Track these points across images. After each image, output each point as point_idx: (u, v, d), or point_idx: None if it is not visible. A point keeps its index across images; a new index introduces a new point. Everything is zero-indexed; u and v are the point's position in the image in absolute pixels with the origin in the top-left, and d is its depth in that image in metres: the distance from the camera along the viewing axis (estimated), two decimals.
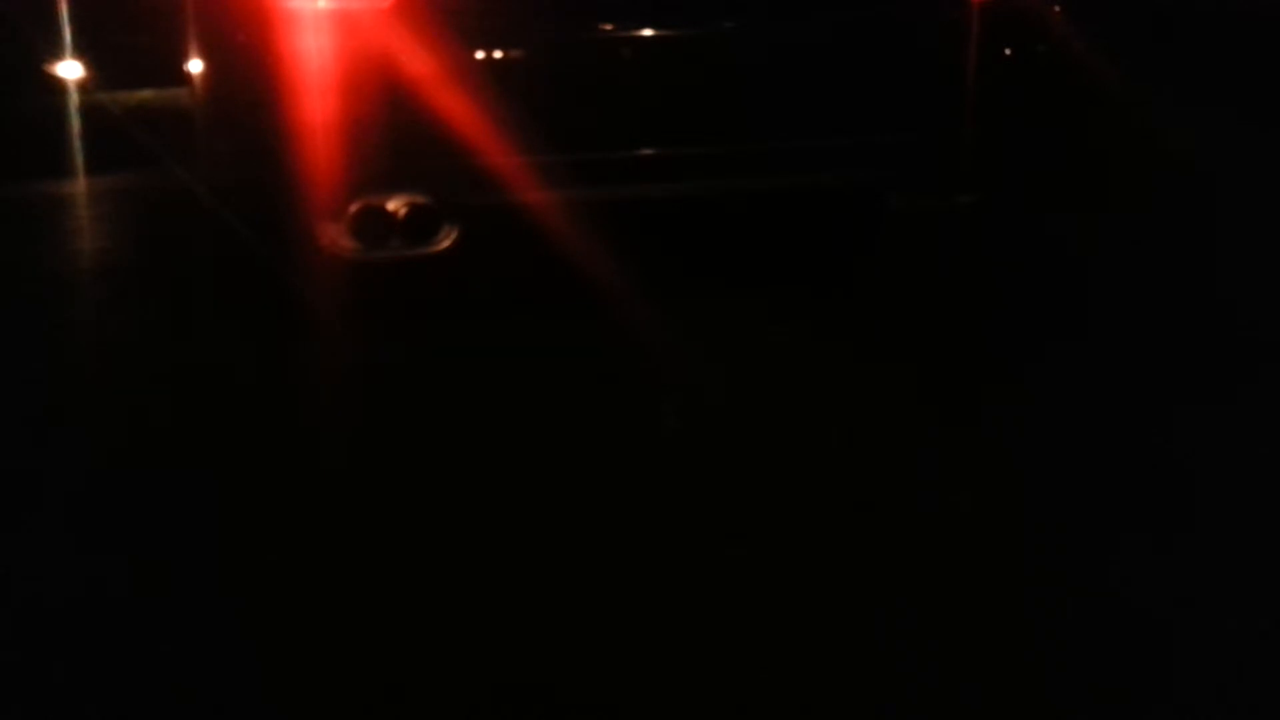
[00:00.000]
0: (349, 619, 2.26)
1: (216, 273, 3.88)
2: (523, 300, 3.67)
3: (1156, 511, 2.59)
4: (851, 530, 2.54)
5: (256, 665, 2.15)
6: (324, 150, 3.11)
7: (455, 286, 3.60)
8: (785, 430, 2.97)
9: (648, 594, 2.33)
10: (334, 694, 2.07)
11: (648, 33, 3.26)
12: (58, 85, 5.64)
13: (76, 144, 5.36)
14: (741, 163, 3.38)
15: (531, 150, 3.16)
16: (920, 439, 2.91)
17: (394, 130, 3.14)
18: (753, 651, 2.16)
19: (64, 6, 5.50)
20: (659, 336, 3.35)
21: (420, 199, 3.21)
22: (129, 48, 5.58)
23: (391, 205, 3.21)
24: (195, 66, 3.64)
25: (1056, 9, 3.66)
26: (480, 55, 3.19)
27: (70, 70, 5.64)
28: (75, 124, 5.48)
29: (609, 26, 3.27)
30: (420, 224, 3.23)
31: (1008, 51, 3.51)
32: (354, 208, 3.19)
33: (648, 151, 3.32)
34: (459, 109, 3.10)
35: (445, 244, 3.26)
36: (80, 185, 5.08)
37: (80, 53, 5.63)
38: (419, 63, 3.09)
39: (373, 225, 3.21)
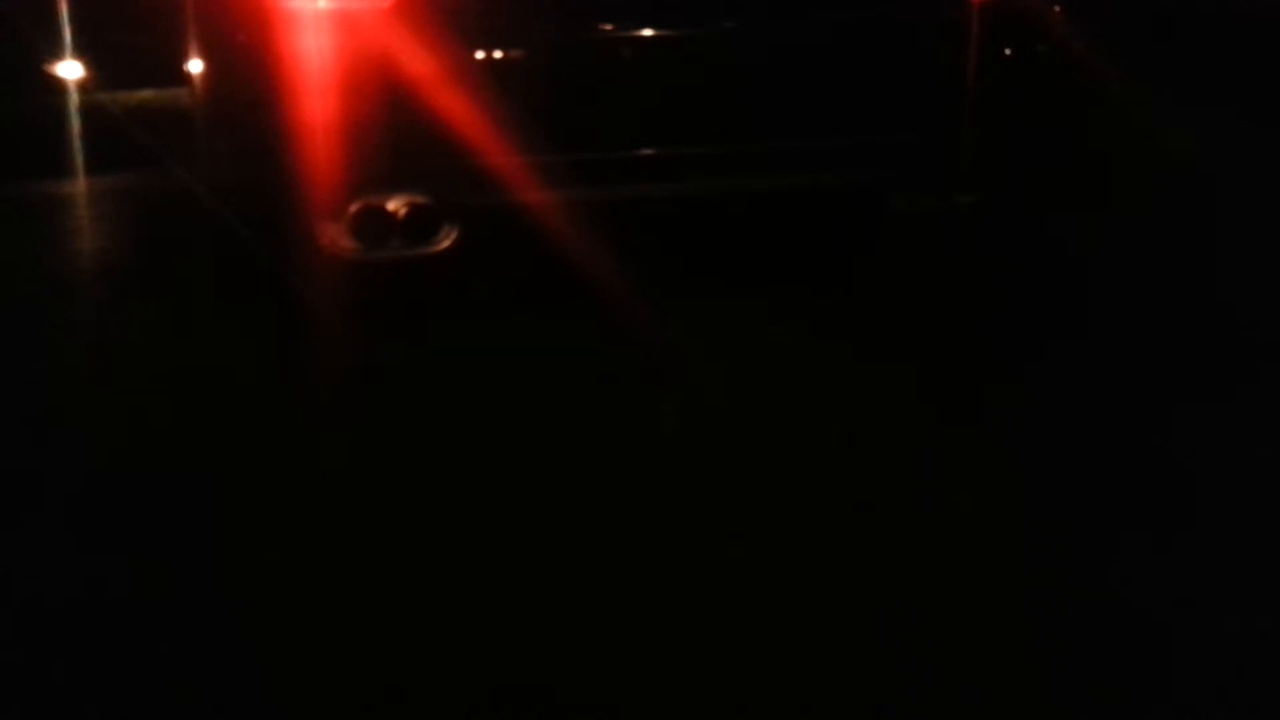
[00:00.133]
0: (349, 619, 2.26)
1: (216, 273, 3.88)
2: (523, 300, 3.67)
3: (1156, 511, 2.59)
4: (851, 530, 2.54)
5: (256, 665, 2.15)
6: (324, 150, 3.11)
7: (455, 286, 3.60)
8: (785, 430, 2.97)
9: (648, 593, 2.33)
10: (334, 694, 2.07)
11: (648, 33, 3.26)
12: (58, 85, 5.64)
13: (76, 144, 5.36)
14: (741, 163, 3.38)
15: (531, 150, 3.16)
16: (920, 439, 2.91)
17: (394, 130, 3.14)
18: (753, 651, 2.16)
19: (64, 6, 5.50)
20: (659, 336, 3.35)
21: (420, 199, 3.21)
22: (129, 48, 5.58)
23: (391, 205, 3.21)
24: (195, 66, 3.64)
25: (1056, 9, 3.66)
26: (480, 55, 3.19)
27: (70, 70, 5.64)
28: (75, 124, 5.48)
29: (609, 26, 3.27)
30: (420, 224, 3.23)
31: (1008, 51, 3.51)
32: (354, 208, 3.19)
33: (648, 151, 3.32)
34: (459, 109, 3.10)
35: (445, 244, 3.26)
36: (80, 185, 5.08)
37: (80, 53, 5.63)
38: (419, 63, 3.09)
39: (373, 225, 3.21)
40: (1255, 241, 4.13)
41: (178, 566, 2.45)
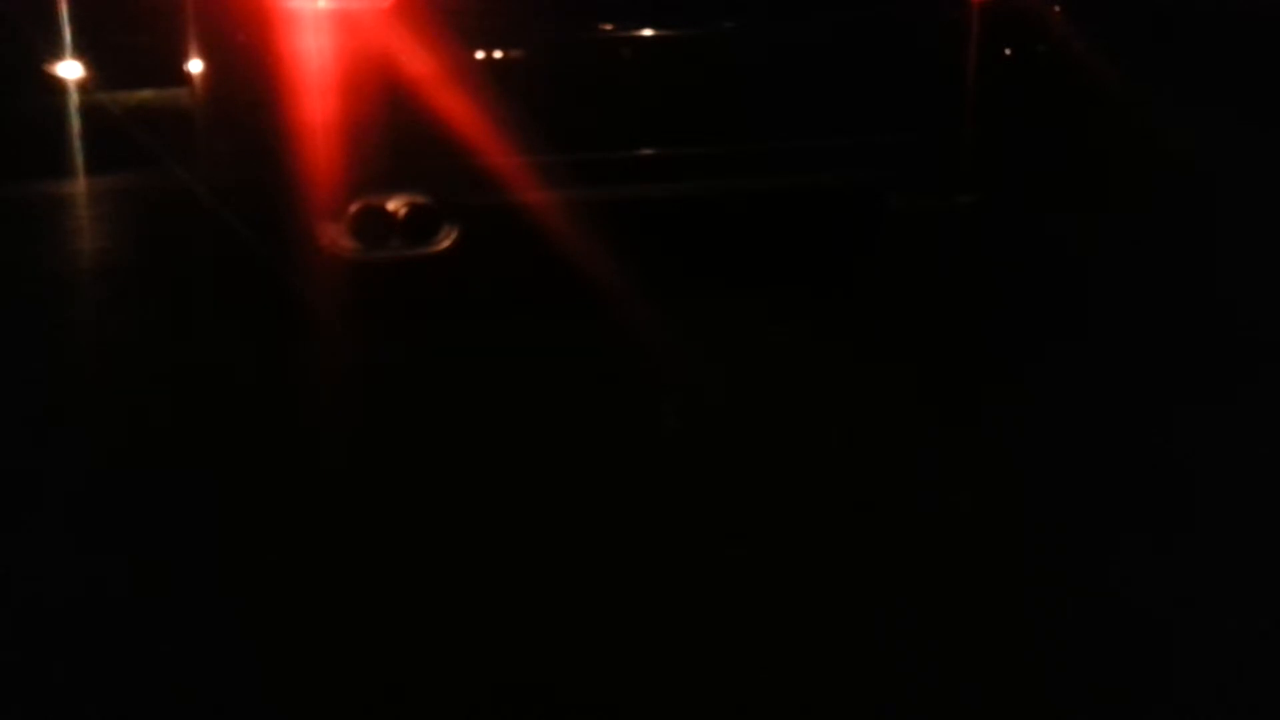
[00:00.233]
0: (349, 619, 2.26)
1: (216, 273, 3.88)
2: (523, 300, 3.67)
3: (1156, 511, 2.59)
4: (851, 530, 2.54)
5: (256, 665, 2.15)
6: (324, 150, 3.11)
7: (455, 286, 3.60)
8: (785, 430, 2.97)
9: (648, 594, 2.33)
10: (334, 694, 2.07)
11: (648, 33, 3.26)
12: (58, 85, 5.64)
13: (76, 144, 5.36)
14: (741, 163, 3.38)
15: (531, 150, 3.16)
16: (920, 439, 2.91)
17: (394, 130, 3.14)
18: (753, 651, 2.16)
19: (64, 6, 5.50)
20: (659, 336, 3.35)
21: (420, 199, 3.21)
22: (129, 48, 5.58)
23: (391, 205, 3.21)
24: (195, 66, 3.64)
25: (1056, 9, 3.66)
26: (480, 55, 3.19)
27: (70, 70, 5.64)
28: (75, 124, 5.48)
29: (609, 26, 3.27)
30: (420, 224, 3.23)
31: (1008, 51, 3.51)
32: (354, 208, 3.19)
33: (648, 151, 3.32)
34: (459, 109, 3.10)
35: (445, 244, 3.26)
36: (80, 185, 5.08)
37: (80, 53, 5.63)
38: (419, 63, 3.09)
39: (373, 225, 3.21)
40: (1256, 241, 4.13)
41: (177, 566, 2.45)
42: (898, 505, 2.62)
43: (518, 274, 3.70)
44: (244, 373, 3.29)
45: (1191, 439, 2.86)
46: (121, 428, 3.02)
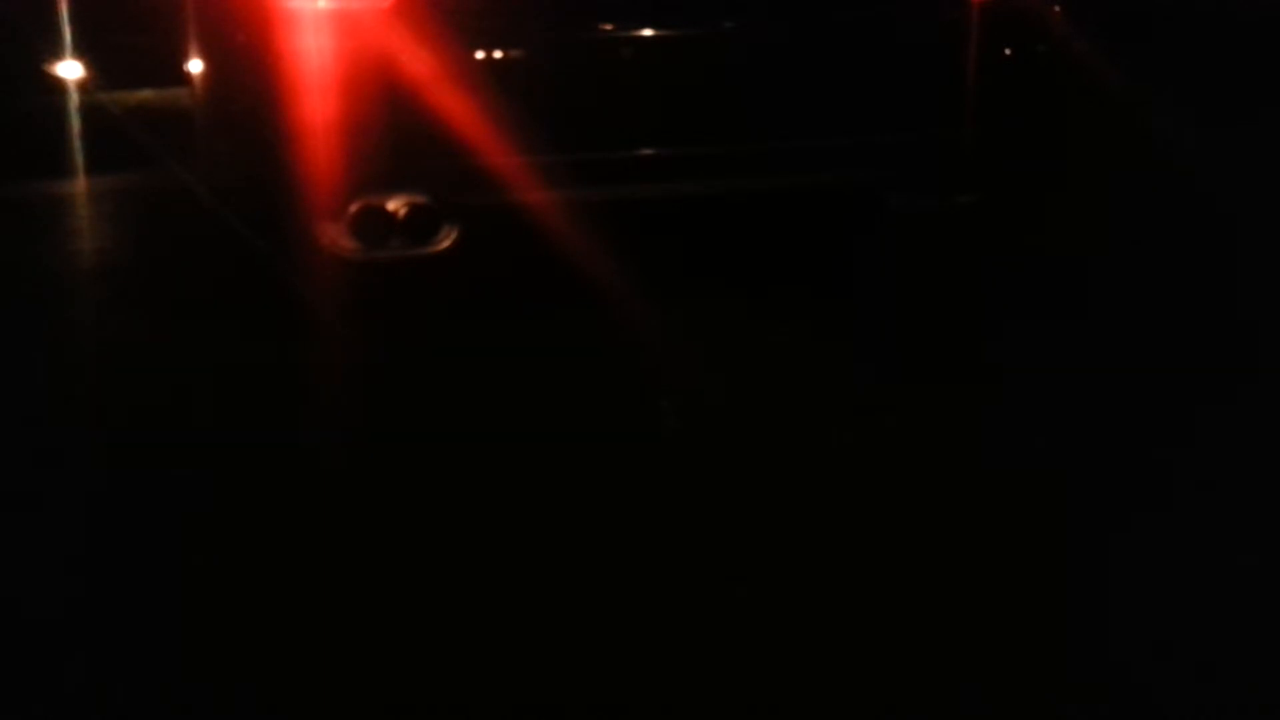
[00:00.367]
0: (348, 625, 2.26)
1: (216, 273, 3.88)
2: (523, 300, 3.67)
3: (1156, 511, 2.59)
4: (851, 530, 2.54)
5: (255, 676, 2.14)
6: (324, 150, 3.11)
7: (455, 286, 3.59)
8: (785, 430, 2.97)
9: (648, 595, 2.33)
10: (335, 710, 2.06)
11: (648, 33, 3.26)
12: (58, 85, 5.64)
13: (76, 144, 5.36)
14: (741, 163, 3.38)
15: (531, 150, 3.16)
16: (920, 439, 2.90)
17: (394, 130, 3.14)
18: (753, 652, 2.16)
19: (64, 6, 5.50)
20: (659, 336, 3.35)
21: (420, 199, 3.21)
22: (129, 48, 5.57)
23: (391, 205, 3.21)
24: (195, 66, 3.64)
25: (1056, 9, 3.66)
26: (480, 55, 3.19)
27: (70, 70, 5.64)
28: (75, 124, 5.48)
29: (609, 26, 3.27)
30: (420, 224, 3.23)
31: (1008, 51, 3.51)
32: (354, 208, 3.19)
33: (648, 151, 3.32)
34: (459, 109, 3.10)
35: (445, 244, 3.26)
36: (80, 185, 5.08)
37: (80, 53, 5.63)
38: (419, 63, 3.09)
39: (373, 225, 3.21)
40: (1256, 242, 4.13)
41: (177, 569, 2.44)
42: (897, 505, 2.62)
43: (518, 274, 3.70)
44: (243, 373, 3.29)
45: (1193, 439, 2.86)
46: (121, 428, 3.01)
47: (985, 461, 2.81)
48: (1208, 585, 2.33)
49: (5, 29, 5.49)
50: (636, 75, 3.29)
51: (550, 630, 2.22)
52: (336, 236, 3.21)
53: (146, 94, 5.90)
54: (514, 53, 3.23)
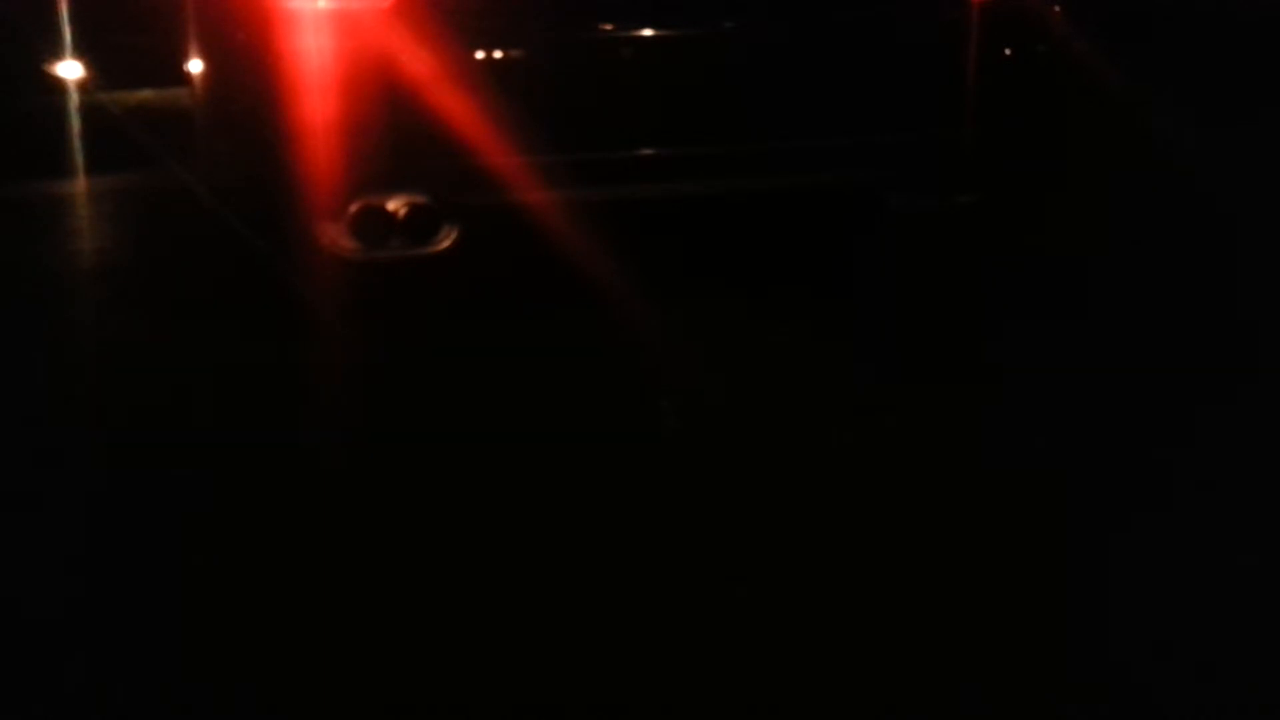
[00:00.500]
0: (348, 626, 2.26)
1: (216, 273, 3.88)
2: (523, 300, 3.67)
3: (1156, 511, 2.59)
4: (851, 530, 2.54)
5: (255, 676, 2.14)
6: (324, 150, 3.11)
7: (455, 286, 3.59)
8: (785, 430, 2.97)
9: (648, 595, 2.33)
10: (336, 710, 2.06)
11: (648, 33, 3.26)
12: (58, 85, 5.64)
13: (76, 144, 5.36)
14: (741, 163, 3.38)
15: (531, 150, 3.16)
16: (920, 439, 2.91)
17: (394, 130, 3.14)
18: (753, 652, 2.16)
19: (64, 6, 5.50)
20: (659, 336, 3.35)
21: (420, 199, 3.21)
22: (129, 48, 5.57)
23: (391, 205, 3.21)
24: (195, 66, 3.64)
25: (1056, 9, 3.66)
26: (480, 55, 3.19)
27: (70, 70, 5.64)
28: (75, 124, 5.48)
29: (609, 26, 3.27)
30: (420, 224, 3.23)
31: (1008, 51, 3.51)
32: (354, 208, 3.19)
33: (648, 151, 3.32)
34: (459, 109, 3.10)
35: (445, 244, 3.26)
36: (80, 185, 5.08)
37: (80, 53, 5.63)
38: (419, 63, 3.09)
39: (373, 225, 3.21)
40: (1256, 242, 4.13)
41: (177, 570, 2.44)
42: (897, 505, 2.62)
43: (518, 274, 3.70)
44: (244, 373, 3.29)
45: (1193, 438, 2.86)
46: (121, 428, 3.01)
47: (985, 461, 2.81)
48: (1208, 585, 2.33)
49: (5, 29, 5.49)
50: (636, 75, 3.29)
51: (550, 630, 2.22)
52: (336, 236, 3.21)
53: (146, 94, 5.90)
54: (514, 53, 3.23)
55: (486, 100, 3.12)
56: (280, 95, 3.11)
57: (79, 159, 5.23)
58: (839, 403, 3.10)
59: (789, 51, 3.33)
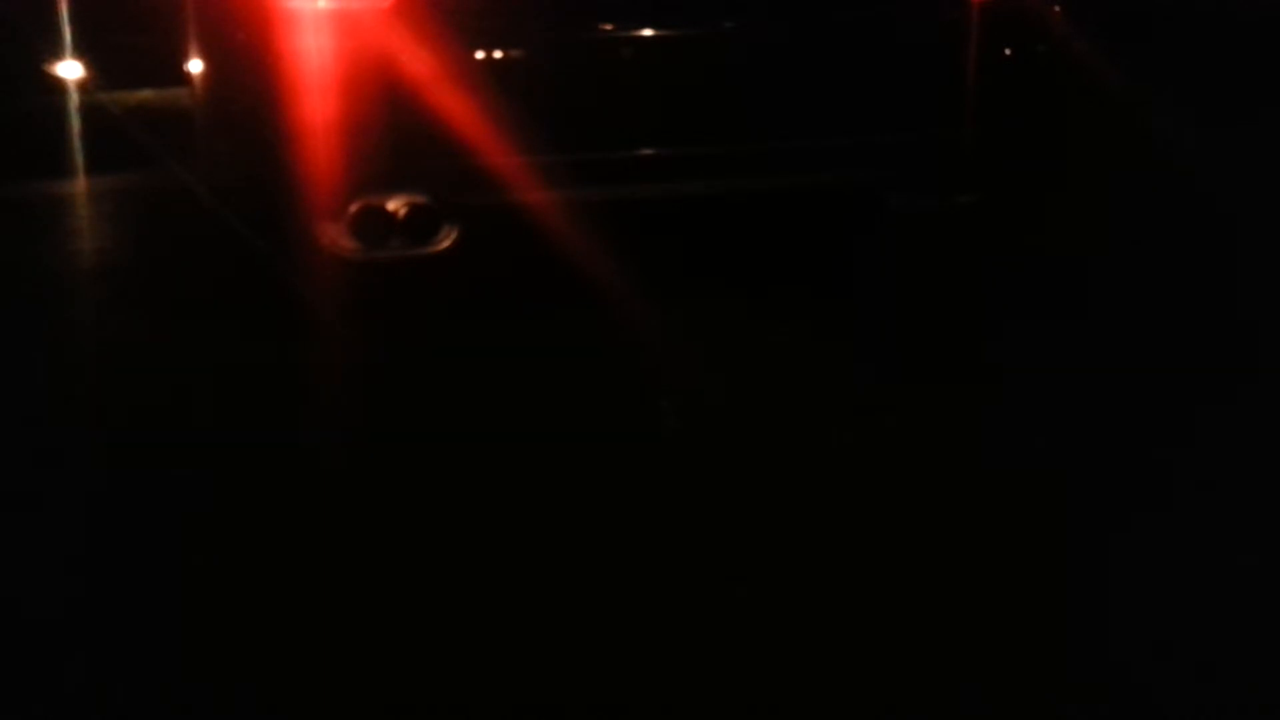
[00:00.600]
0: (348, 627, 2.26)
1: (216, 273, 3.88)
2: (523, 300, 3.67)
3: (1156, 511, 2.59)
4: (851, 530, 2.54)
5: (255, 676, 2.14)
6: (324, 150, 3.11)
7: (455, 286, 3.59)
8: (785, 430, 2.97)
9: (648, 595, 2.33)
10: (336, 710, 2.06)
11: (648, 33, 3.26)
12: (58, 85, 5.64)
13: (76, 144, 5.36)
14: (741, 163, 3.38)
15: (531, 150, 3.16)
16: (920, 439, 2.91)
17: (394, 130, 3.14)
18: (753, 652, 2.16)
19: (64, 6, 5.50)
20: (659, 336, 3.35)
21: (420, 199, 3.21)
22: (129, 48, 5.57)
23: (391, 205, 3.21)
24: (195, 66, 3.64)
25: (1056, 9, 3.66)
26: (480, 55, 3.19)
27: (70, 70, 5.64)
28: (75, 124, 5.48)
29: (609, 26, 3.27)
30: (420, 224, 3.23)
31: (1008, 51, 3.51)
32: (354, 208, 3.19)
33: (648, 151, 3.32)
34: (459, 109, 3.10)
35: (445, 244, 3.26)
36: (80, 185, 5.08)
37: (80, 53, 5.63)
38: (419, 63, 3.09)
39: (373, 225, 3.21)
40: (1256, 241, 4.13)
41: (177, 570, 2.44)
42: (897, 505, 2.62)
43: (518, 274, 3.70)
44: (244, 373, 3.29)
45: (1192, 438, 2.86)
46: (122, 428, 3.01)
47: (985, 461, 2.81)
48: (1208, 585, 2.33)
49: (5, 29, 5.49)
50: (636, 75, 3.29)
51: (550, 630, 2.22)
52: (336, 236, 3.21)
53: (146, 94, 5.90)
54: (514, 53, 3.23)
55: (486, 100, 3.12)
56: (280, 95, 3.11)
57: (79, 159, 5.23)
58: (839, 403, 3.10)
59: (789, 51, 3.33)
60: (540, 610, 2.28)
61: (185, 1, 3.60)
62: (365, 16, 3.10)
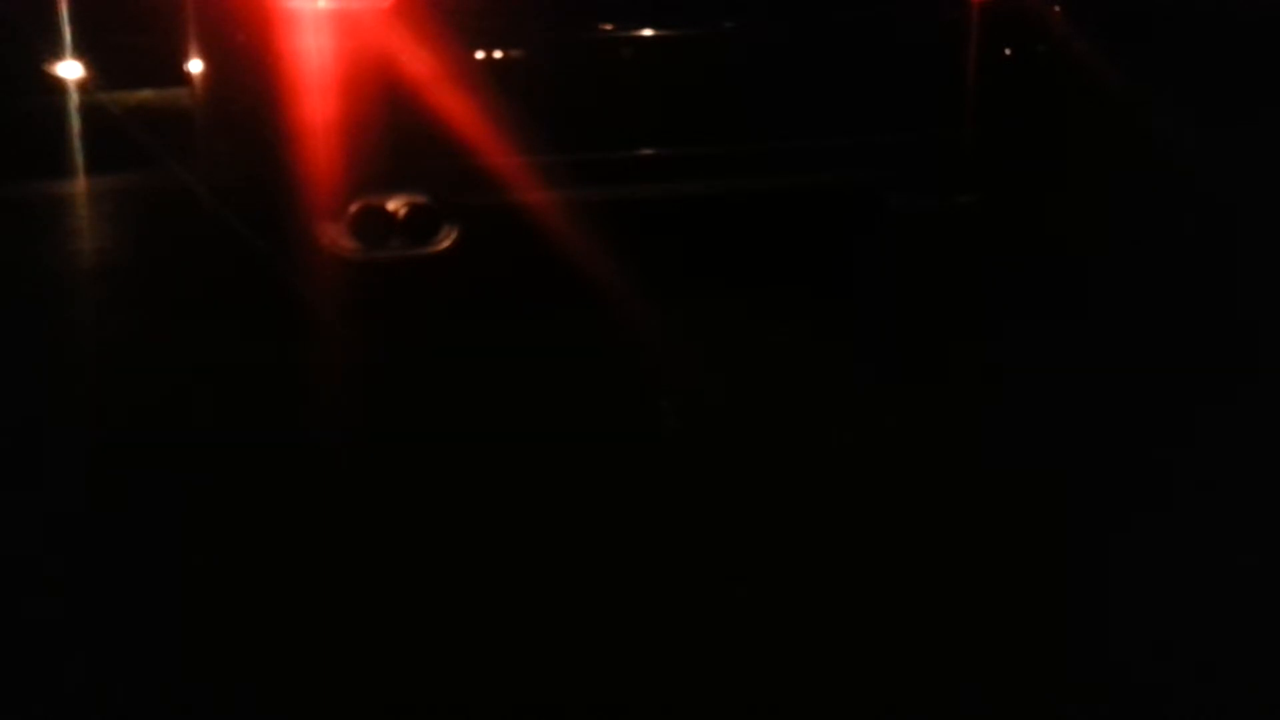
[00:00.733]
0: (347, 627, 2.25)
1: (216, 273, 3.88)
2: (523, 300, 3.67)
3: (1156, 511, 2.59)
4: (851, 530, 2.54)
5: (255, 676, 2.14)
6: (324, 150, 3.11)
7: (455, 286, 3.59)
8: (785, 430, 2.97)
9: (648, 595, 2.33)
10: (336, 710, 2.06)
11: (648, 33, 3.26)
12: (58, 85, 5.64)
13: (76, 144, 5.36)
14: (741, 163, 3.38)
15: (531, 150, 3.16)
16: (920, 439, 2.90)
17: (394, 130, 3.14)
18: (753, 652, 2.16)
19: (64, 6, 5.50)
20: (659, 336, 3.35)
21: (420, 199, 3.21)
22: (129, 48, 5.57)
23: (391, 205, 3.21)
24: (195, 66, 3.64)
25: (1056, 9, 3.66)
26: (480, 55, 3.19)
27: (70, 70, 5.64)
28: (75, 124, 5.48)
29: (609, 26, 3.27)
30: (420, 224, 3.23)
31: (1008, 51, 3.51)
32: (354, 208, 3.19)
33: (648, 151, 3.32)
34: (459, 109, 3.10)
35: (445, 244, 3.26)
36: (80, 185, 5.08)
37: (80, 53, 5.63)
38: (419, 63, 3.09)
39: (373, 225, 3.21)
40: (1256, 241, 4.13)
41: (177, 570, 2.44)
42: (897, 505, 2.62)
43: (518, 274, 3.70)
44: (244, 373, 3.29)
45: (1192, 438, 2.86)
46: (122, 428, 3.01)
47: (985, 461, 2.81)
48: (1208, 585, 2.33)
49: (5, 29, 5.49)
50: (636, 75, 3.29)
51: (550, 630, 2.22)
52: (336, 236, 3.20)
53: (146, 94, 5.90)
54: (514, 53, 3.23)
55: (486, 100, 3.12)
56: (280, 95, 3.11)
57: (79, 159, 5.23)
58: (839, 403, 3.10)
59: (789, 51, 3.33)
60: (540, 610, 2.28)
61: (185, 1, 3.60)
62: (365, 16, 3.10)
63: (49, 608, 2.33)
